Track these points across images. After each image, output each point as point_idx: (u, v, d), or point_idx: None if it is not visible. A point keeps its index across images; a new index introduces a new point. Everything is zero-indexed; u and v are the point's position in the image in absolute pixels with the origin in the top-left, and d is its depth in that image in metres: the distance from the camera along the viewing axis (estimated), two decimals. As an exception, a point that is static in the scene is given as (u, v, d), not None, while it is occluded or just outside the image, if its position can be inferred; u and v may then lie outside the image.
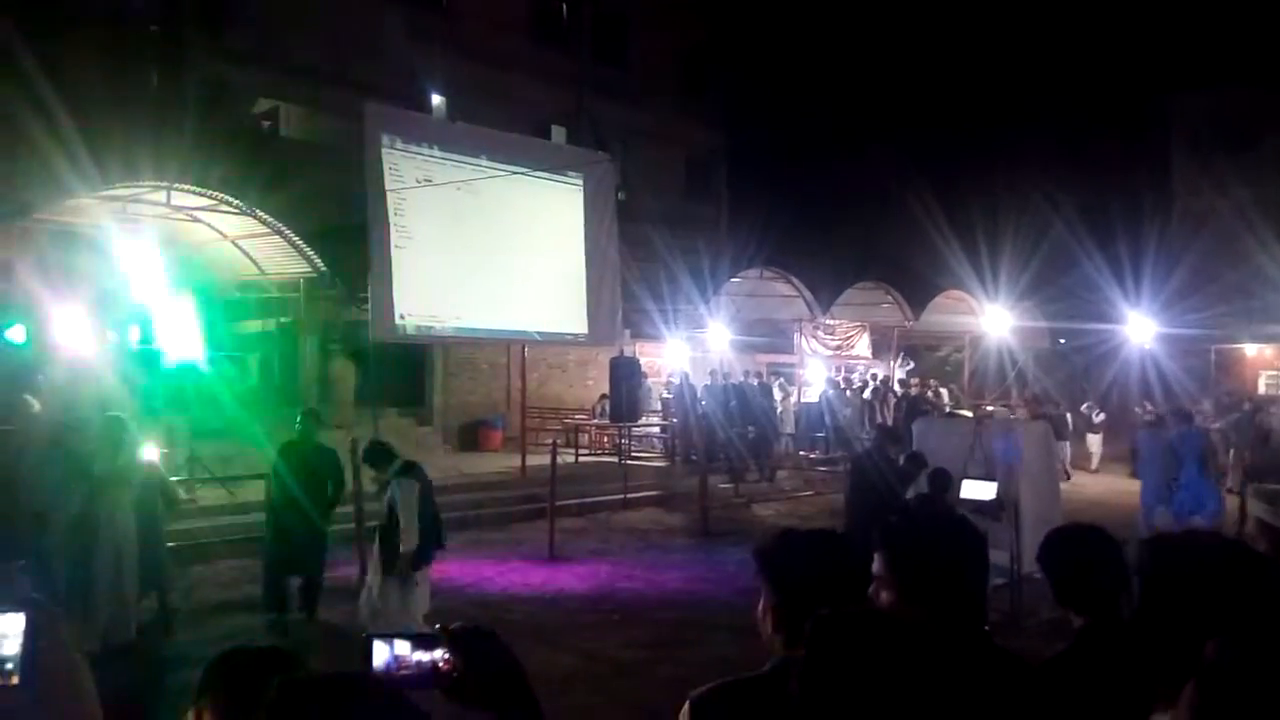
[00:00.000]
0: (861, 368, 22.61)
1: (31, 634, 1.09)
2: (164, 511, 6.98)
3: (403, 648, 1.35)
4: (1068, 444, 17.54)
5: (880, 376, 21.87)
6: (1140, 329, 21.45)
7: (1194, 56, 28.58)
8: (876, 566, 1.94)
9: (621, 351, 16.03)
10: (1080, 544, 2.40)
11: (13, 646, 1.08)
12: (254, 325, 15.13)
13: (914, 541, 2.01)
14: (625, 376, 14.99)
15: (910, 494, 7.01)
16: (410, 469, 6.67)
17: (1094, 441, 19.37)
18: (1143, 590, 1.69)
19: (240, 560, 8.72)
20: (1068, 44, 31.83)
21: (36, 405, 7.61)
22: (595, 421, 18.50)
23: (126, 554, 6.03)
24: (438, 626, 1.38)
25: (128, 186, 10.76)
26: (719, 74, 27.12)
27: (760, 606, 1.90)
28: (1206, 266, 25.41)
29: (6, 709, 1.11)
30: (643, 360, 17.31)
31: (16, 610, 1.10)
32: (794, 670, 1.58)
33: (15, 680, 1.08)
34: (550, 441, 12.53)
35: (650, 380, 18.78)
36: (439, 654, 1.35)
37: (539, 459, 13.37)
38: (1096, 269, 23.52)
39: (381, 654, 1.35)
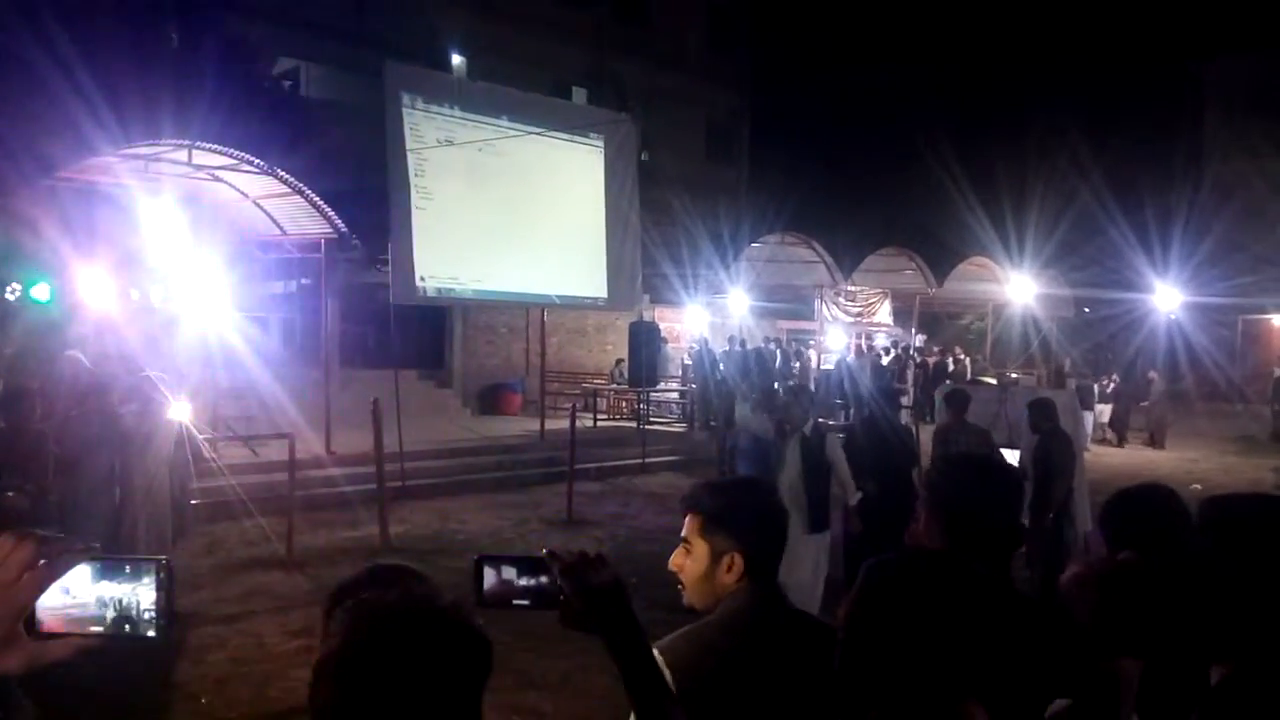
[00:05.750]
0: (882, 336, 22.48)
1: (166, 584, 1.05)
2: (191, 470, 7.04)
3: (510, 572, 1.38)
4: (1093, 413, 17.41)
5: (900, 345, 21.72)
6: (1167, 298, 21.16)
7: (1230, 21, 27.88)
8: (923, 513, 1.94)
9: (641, 316, 15.98)
10: (1149, 503, 2.20)
11: (148, 597, 1.04)
12: (276, 286, 15.16)
13: (959, 486, 2.04)
14: (644, 341, 14.96)
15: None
16: None
17: (1106, 411, 19.19)
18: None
19: (263, 518, 8.80)
20: (1100, 7, 31.09)
21: (85, 360, 7.51)
22: (614, 386, 18.51)
23: (158, 510, 6.10)
24: (545, 551, 1.39)
25: (150, 145, 10.71)
26: (744, 34, 26.69)
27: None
28: (1236, 235, 25.02)
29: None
30: (662, 325, 17.26)
31: (150, 560, 1.06)
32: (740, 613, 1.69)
33: (153, 632, 1.05)
34: (569, 406, 12.54)
35: (669, 346, 18.72)
36: (546, 578, 1.38)
37: (558, 423, 13.39)
38: (1123, 236, 23.18)
39: (491, 577, 1.37)
